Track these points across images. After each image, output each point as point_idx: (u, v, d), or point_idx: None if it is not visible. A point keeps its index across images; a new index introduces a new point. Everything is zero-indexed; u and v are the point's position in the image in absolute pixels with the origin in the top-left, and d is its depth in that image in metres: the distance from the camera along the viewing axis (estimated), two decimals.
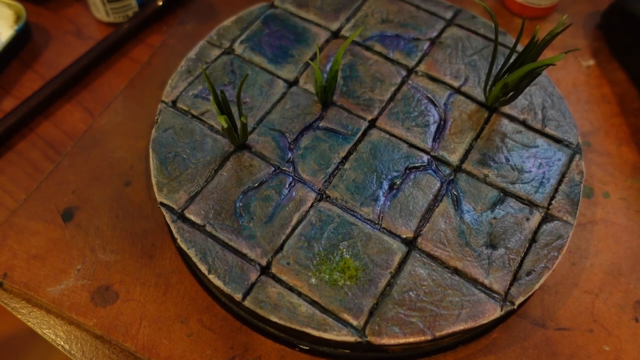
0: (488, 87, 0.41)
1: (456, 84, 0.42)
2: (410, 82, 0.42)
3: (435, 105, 0.41)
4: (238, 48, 0.44)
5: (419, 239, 0.35)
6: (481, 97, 0.42)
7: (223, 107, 0.36)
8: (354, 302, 0.33)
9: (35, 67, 0.48)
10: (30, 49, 0.49)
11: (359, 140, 0.39)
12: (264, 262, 0.34)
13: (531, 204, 0.37)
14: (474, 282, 0.34)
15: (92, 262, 0.37)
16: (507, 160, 0.39)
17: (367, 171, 0.38)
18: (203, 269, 0.34)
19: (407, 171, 0.38)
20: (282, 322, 0.32)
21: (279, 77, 0.42)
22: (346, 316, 0.32)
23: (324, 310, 0.32)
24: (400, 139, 0.39)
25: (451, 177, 0.38)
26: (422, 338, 0.32)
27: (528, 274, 0.34)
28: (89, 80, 0.47)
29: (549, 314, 0.36)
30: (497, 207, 0.37)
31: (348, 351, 0.34)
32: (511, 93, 0.39)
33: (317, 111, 0.40)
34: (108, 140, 0.43)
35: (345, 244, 0.35)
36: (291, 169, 0.38)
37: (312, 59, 0.43)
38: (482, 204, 0.37)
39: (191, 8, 0.52)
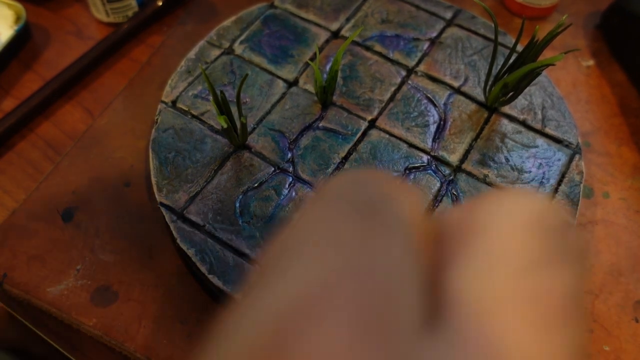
0: (488, 87, 0.41)
1: (456, 84, 0.42)
2: (410, 82, 0.42)
3: (435, 105, 0.41)
4: (238, 48, 0.44)
5: None
6: (481, 97, 0.42)
7: (223, 108, 0.36)
8: None
9: (35, 67, 0.48)
10: (30, 49, 0.49)
11: (359, 141, 0.39)
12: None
13: None
14: None
15: (91, 263, 0.37)
16: (507, 160, 0.39)
17: None
18: (203, 269, 0.34)
19: (407, 171, 0.38)
20: None
21: (278, 77, 0.42)
22: None
23: None
24: (400, 139, 0.39)
25: (451, 177, 0.38)
26: None
27: None
28: (89, 80, 0.47)
29: None
30: None
31: None
32: (511, 93, 0.39)
33: (317, 111, 0.40)
34: (108, 140, 0.43)
35: None
36: (291, 169, 0.38)
37: (312, 59, 0.43)
38: None
39: (191, 8, 0.52)
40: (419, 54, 0.44)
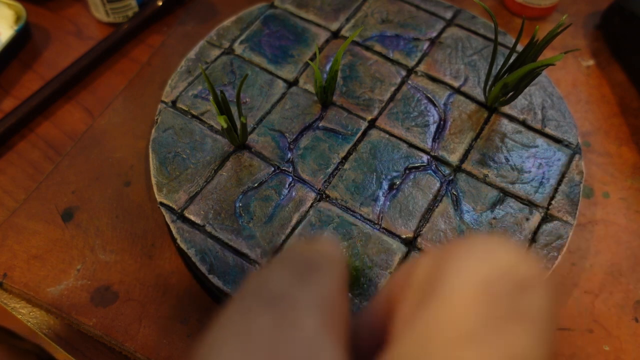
0: (488, 87, 0.41)
1: (456, 84, 0.42)
2: (410, 82, 0.42)
3: (435, 105, 0.41)
4: (238, 48, 0.44)
5: (419, 239, 0.35)
6: (481, 97, 0.42)
7: (223, 107, 0.36)
8: (353, 302, 0.33)
9: (35, 67, 0.48)
10: (30, 49, 0.49)
11: (359, 141, 0.39)
12: (263, 263, 0.34)
13: (531, 204, 0.37)
14: None
15: (92, 262, 0.37)
16: (507, 160, 0.39)
17: (366, 171, 0.38)
18: (203, 269, 0.34)
19: (407, 171, 0.38)
20: None
21: (278, 77, 0.42)
22: None
23: None
24: (400, 139, 0.39)
25: (451, 177, 0.38)
26: None
27: None
28: (89, 80, 0.47)
29: None
30: (497, 207, 0.37)
31: None
32: (511, 93, 0.39)
33: (317, 111, 0.40)
34: (108, 140, 0.43)
35: (345, 244, 0.35)
36: (291, 169, 0.38)
37: (312, 59, 0.43)
38: (482, 204, 0.37)
39: (191, 8, 0.52)
40: (419, 54, 0.44)
